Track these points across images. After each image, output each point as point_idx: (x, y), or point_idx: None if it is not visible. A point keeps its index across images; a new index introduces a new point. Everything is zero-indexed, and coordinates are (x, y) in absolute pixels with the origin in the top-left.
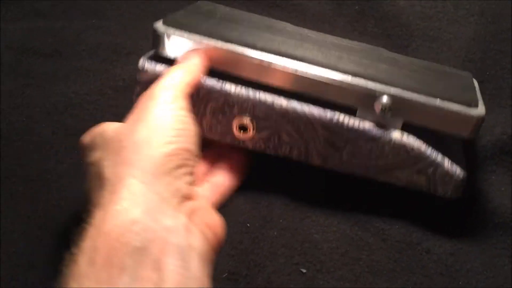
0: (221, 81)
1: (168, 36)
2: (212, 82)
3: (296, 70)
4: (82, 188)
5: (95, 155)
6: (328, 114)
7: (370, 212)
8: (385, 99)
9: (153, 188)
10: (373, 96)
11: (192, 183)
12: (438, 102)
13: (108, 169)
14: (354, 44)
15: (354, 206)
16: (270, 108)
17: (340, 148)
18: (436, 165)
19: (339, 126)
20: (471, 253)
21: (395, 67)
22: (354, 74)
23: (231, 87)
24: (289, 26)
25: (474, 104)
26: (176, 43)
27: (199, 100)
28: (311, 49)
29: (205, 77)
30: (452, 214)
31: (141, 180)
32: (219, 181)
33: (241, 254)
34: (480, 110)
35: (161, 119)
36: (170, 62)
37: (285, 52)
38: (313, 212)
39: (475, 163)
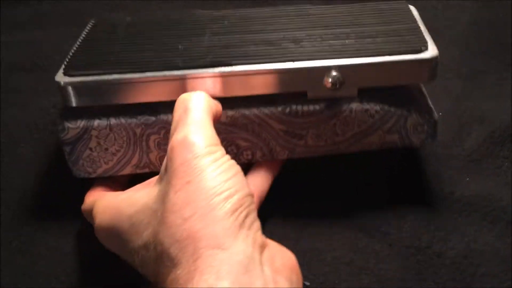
0: (154, 113)
1: (74, 87)
2: (145, 117)
3: (232, 73)
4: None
5: (143, 237)
6: (279, 108)
7: (375, 215)
8: (333, 73)
9: (234, 250)
10: (320, 74)
11: (259, 228)
12: (387, 59)
13: (174, 246)
14: (271, 11)
15: (357, 211)
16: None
17: (303, 135)
18: (404, 119)
19: (294, 115)
20: (486, 255)
21: (328, 29)
22: (292, 60)
23: (167, 115)
24: (202, 12)
25: (423, 47)
26: (84, 92)
27: (137, 138)
28: (234, 39)
29: (135, 115)
30: (463, 212)
31: (219, 248)
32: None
33: None
34: (431, 51)
35: (210, 175)
36: (88, 109)
37: (213, 59)
38: (314, 219)
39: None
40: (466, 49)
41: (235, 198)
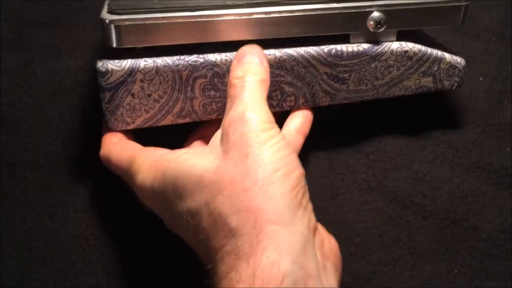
0: (201, 54)
1: (122, 26)
2: (193, 58)
3: (280, 12)
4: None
5: (188, 204)
6: (325, 49)
7: (408, 185)
8: (376, 14)
9: (293, 228)
10: (363, 15)
11: (312, 210)
12: (425, 0)
13: (234, 217)
14: None
15: (389, 180)
16: None
17: (345, 78)
18: (439, 61)
19: (339, 57)
20: None
21: None
22: (336, 1)
23: (215, 57)
24: None
25: None
26: (132, 30)
27: (183, 82)
28: None
29: (183, 56)
30: (501, 185)
31: (280, 224)
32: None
33: None
34: None
35: (268, 151)
36: (128, 52)
37: (253, 1)
38: (344, 187)
39: None
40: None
41: (293, 175)
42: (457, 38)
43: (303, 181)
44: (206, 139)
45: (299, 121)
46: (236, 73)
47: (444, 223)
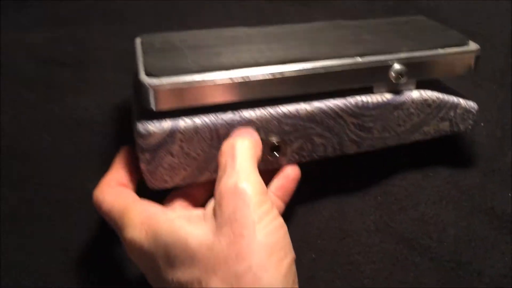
0: (236, 111)
1: (161, 90)
2: (229, 116)
3: (311, 69)
4: None
5: (179, 275)
6: (352, 100)
7: (415, 227)
8: (397, 66)
9: None
10: (386, 67)
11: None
12: (440, 51)
13: None
14: (314, 26)
15: (396, 222)
16: (296, 117)
17: (371, 127)
18: (455, 107)
19: (365, 108)
20: None
21: (376, 35)
22: (360, 54)
23: (249, 113)
24: (246, 30)
25: (465, 41)
26: (171, 94)
27: (220, 140)
28: (299, 45)
29: (217, 114)
30: (503, 229)
31: None
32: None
33: None
34: (472, 44)
35: (263, 232)
36: (167, 113)
37: (286, 58)
38: (352, 230)
39: None
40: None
41: (286, 262)
42: (460, 86)
43: (294, 267)
44: (189, 198)
45: (280, 184)
46: (227, 142)
47: (449, 265)
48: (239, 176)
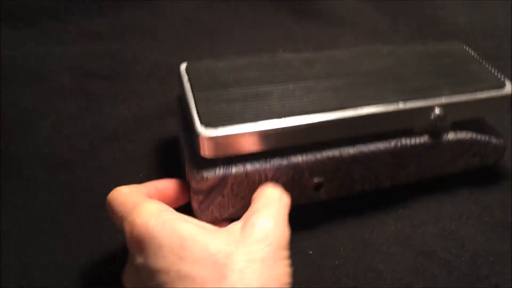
0: (284, 156)
1: (217, 140)
2: (277, 161)
3: (353, 118)
4: None
5: (194, 271)
6: (392, 143)
7: (434, 240)
8: (438, 110)
9: None
10: (427, 112)
11: None
12: (479, 95)
13: None
14: (353, 54)
15: (416, 233)
16: (339, 160)
17: (407, 165)
18: (486, 144)
19: (404, 149)
20: None
21: (416, 70)
22: (403, 99)
23: (297, 158)
24: (286, 57)
25: (502, 84)
26: (226, 142)
27: (266, 181)
28: (343, 86)
29: (269, 159)
30: None
31: None
32: None
33: (303, 283)
34: (508, 87)
35: (285, 269)
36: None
37: (334, 105)
38: (375, 239)
39: None
40: None
41: None
42: None
43: None
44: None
45: None
46: (266, 189)
47: (468, 279)
48: (276, 221)
